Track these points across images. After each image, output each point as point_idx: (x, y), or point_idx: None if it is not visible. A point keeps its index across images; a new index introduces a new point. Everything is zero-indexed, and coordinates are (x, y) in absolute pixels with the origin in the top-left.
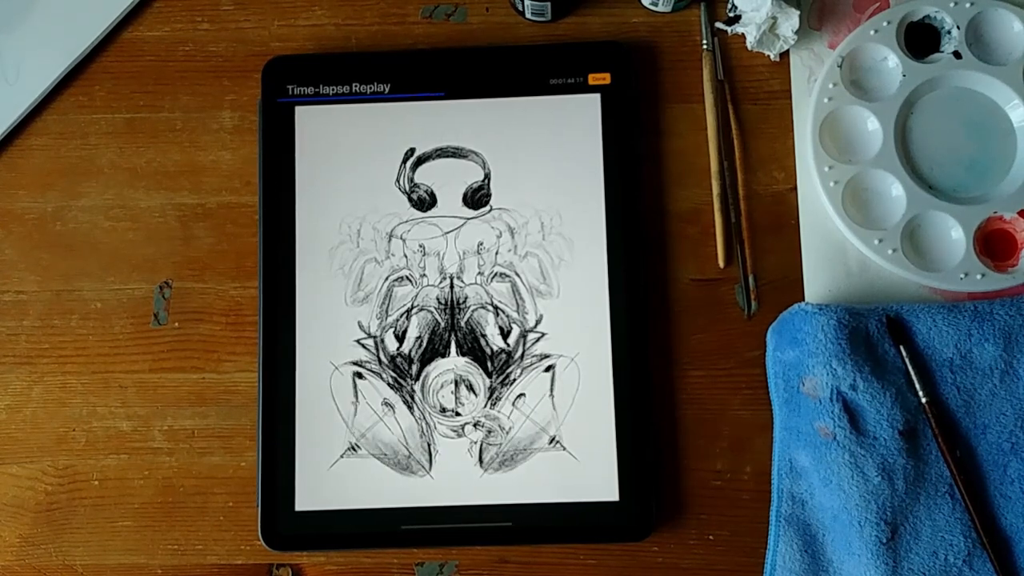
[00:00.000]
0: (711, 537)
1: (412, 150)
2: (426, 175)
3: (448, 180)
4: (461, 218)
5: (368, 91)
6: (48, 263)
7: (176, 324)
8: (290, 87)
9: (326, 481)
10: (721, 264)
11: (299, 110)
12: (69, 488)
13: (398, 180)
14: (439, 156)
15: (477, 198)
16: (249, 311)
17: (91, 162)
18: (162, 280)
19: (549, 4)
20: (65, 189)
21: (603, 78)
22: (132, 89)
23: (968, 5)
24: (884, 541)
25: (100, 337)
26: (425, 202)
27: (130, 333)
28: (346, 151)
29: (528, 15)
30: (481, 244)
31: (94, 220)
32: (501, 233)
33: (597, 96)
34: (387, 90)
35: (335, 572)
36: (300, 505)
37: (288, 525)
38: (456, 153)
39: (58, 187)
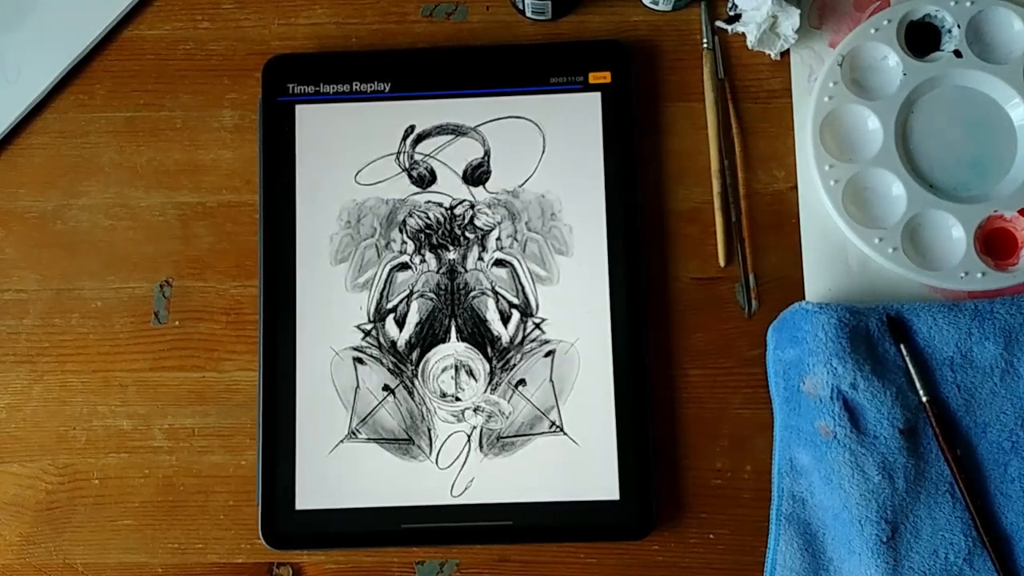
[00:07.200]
0: (711, 536)
1: (412, 127)
2: (426, 152)
3: (448, 157)
4: (460, 197)
5: (368, 90)
6: (48, 262)
7: (176, 323)
8: (290, 86)
9: (326, 468)
10: (721, 263)
11: (299, 109)
12: (70, 487)
13: (398, 156)
14: (439, 133)
15: (477, 175)
16: (249, 310)
17: (91, 161)
18: (162, 279)
19: (550, 3)
20: (65, 188)
21: (603, 77)
22: (132, 88)
23: (968, 4)
24: (884, 540)
25: (100, 336)
26: (425, 179)
27: (130, 332)
28: (346, 150)
29: (529, 14)
30: (481, 230)
31: (94, 219)
32: (502, 219)
33: (597, 95)
34: (387, 89)
35: (335, 571)
36: (300, 504)
37: (288, 524)
38: (456, 130)
39: (58, 186)
